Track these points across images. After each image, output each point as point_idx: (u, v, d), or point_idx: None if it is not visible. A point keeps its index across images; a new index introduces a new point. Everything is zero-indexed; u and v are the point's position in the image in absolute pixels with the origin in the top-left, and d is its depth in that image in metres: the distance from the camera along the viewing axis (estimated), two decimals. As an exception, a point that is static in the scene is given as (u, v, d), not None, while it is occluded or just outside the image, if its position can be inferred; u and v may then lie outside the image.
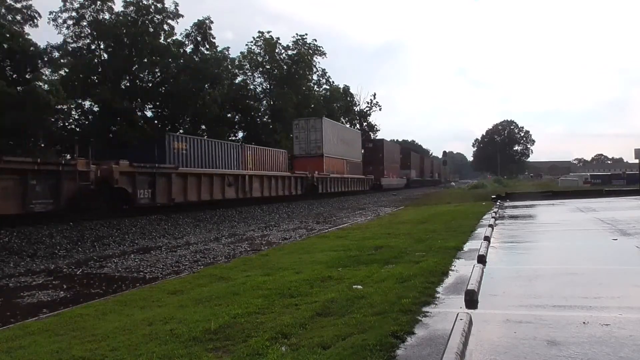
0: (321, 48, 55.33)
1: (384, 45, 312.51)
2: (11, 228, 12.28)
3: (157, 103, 40.42)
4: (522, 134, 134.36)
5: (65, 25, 36.76)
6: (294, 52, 52.68)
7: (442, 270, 6.23)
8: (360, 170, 45.42)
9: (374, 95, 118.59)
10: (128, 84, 39.02)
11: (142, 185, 16.73)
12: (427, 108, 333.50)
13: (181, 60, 39.55)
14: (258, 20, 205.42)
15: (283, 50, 52.52)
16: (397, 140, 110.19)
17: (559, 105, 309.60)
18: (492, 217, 13.40)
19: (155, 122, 40.09)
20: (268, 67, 51.70)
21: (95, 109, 37.21)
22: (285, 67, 52.13)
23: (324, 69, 63.76)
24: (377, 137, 65.82)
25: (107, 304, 5.55)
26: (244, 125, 48.56)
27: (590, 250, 8.28)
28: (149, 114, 40.65)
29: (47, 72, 34.58)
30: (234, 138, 46.24)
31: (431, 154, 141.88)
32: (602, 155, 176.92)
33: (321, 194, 32.70)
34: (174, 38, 40.40)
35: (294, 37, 55.14)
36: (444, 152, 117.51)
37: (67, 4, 36.51)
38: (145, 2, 38.43)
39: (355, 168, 43.39)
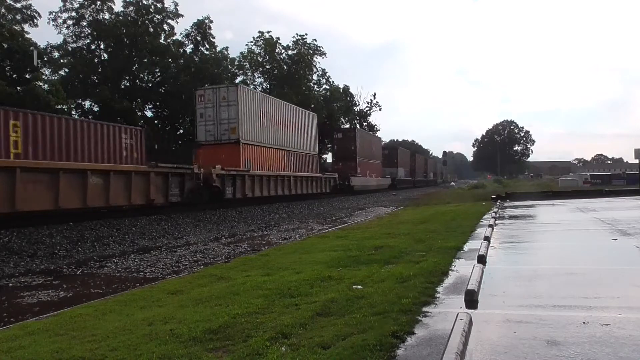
0: (321, 48, 55.38)
1: (383, 45, 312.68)
2: (11, 228, 12.28)
3: (157, 103, 40.44)
4: (522, 134, 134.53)
5: (65, 25, 36.84)
6: (294, 52, 52.69)
7: (442, 270, 6.23)
8: (316, 167, 35.30)
9: (374, 95, 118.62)
10: (128, 84, 39.07)
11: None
12: (427, 108, 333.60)
13: (181, 60, 39.60)
14: (258, 20, 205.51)
15: (283, 50, 52.58)
16: (397, 140, 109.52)
17: (559, 105, 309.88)
18: (492, 217, 13.40)
19: (155, 122, 40.11)
20: (268, 67, 51.71)
21: (95, 109, 37.26)
22: (285, 67, 52.13)
23: (324, 69, 63.90)
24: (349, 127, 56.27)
25: (107, 304, 5.55)
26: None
27: (590, 250, 8.28)
28: (149, 114, 40.70)
29: (47, 72, 34.62)
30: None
31: (431, 154, 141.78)
32: (602, 155, 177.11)
33: (230, 200, 21.99)
34: (173, 38, 40.51)
35: (294, 37, 55.20)
36: (444, 152, 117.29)
37: (67, 4, 36.62)
38: (145, 2, 38.50)
39: (305, 163, 32.39)
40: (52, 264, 9.70)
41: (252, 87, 49.63)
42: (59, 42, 37.04)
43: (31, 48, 29.90)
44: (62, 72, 37.12)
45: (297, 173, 30.27)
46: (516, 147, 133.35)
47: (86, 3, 36.79)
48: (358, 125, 66.64)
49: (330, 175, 37.77)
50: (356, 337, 3.69)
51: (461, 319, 3.72)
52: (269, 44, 50.89)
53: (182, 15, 40.06)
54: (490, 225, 10.94)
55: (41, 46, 32.76)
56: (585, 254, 7.98)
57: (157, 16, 38.91)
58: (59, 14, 36.47)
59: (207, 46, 41.85)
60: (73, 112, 37.12)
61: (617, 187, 39.57)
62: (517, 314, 4.31)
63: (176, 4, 39.39)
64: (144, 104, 39.76)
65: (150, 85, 39.31)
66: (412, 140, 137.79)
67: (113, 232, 13.51)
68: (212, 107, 24.20)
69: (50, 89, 30.29)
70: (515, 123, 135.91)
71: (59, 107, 32.70)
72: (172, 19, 39.49)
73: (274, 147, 27.79)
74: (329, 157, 55.46)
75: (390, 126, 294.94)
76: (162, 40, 39.27)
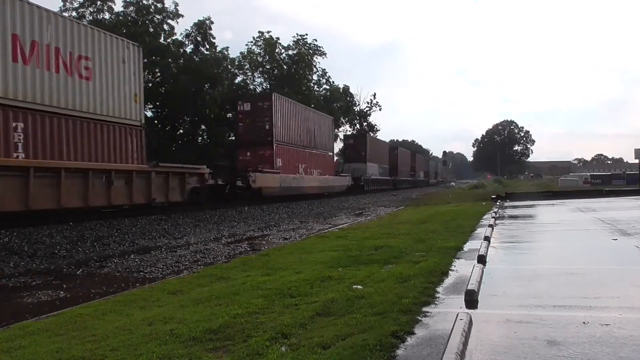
0: (321, 48, 55.22)
1: (383, 45, 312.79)
2: (11, 228, 12.28)
3: (157, 103, 40.42)
4: (522, 134, 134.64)
5: (65, 25, 36.79)
6: (294, 52, 52.62)
7: (442, 270, 6.23)
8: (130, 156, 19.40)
9: (374, 95, 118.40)
10: (128, 84, 38.98)
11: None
12: (427, 108, 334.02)
13: (181, 60, 39.56)
14: (258, 20, 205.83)
15: (283, 50, 52.47)
16: (396, 140, 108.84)
17: (559, 105, 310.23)
18: (492, 217, 13.40)
19: (155, 122, 40.09)
20: (268, 67, 51.64)
21: (95, 109, 37.19)
22: (285, 67, 52.06)
23: (324, 69, 63.74)
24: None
25: (107, 304, 5.55)
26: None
27: (590, 250, 8.28)
28: (149, 114, 40.63)
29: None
30: (232, 138, 46.24)
31: (431, 154, 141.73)
32: (602, 155, 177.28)
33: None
34: (174, 38, 40.43)
35: (294, 37, 55.12)
36: (444, 152, 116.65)
37: (67, 3, 36.57)
38: (145, 2, 38.45)
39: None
40: (52, 264, 9.69)
41: (251, 87, 49.69)
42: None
43: None
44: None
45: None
46: (516, 147, 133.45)
47: (86, 3, 36.77)
48: (358, 126, 66.19)
49: (191, 170, 20.49)
50: (356, 337, 3.69)
51: (461, 319, 3.72)
52: (269, 44, 50.83)
53: (182, 16, 40.00)
54: (490, 225, 10.95)
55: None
56: (585, 254, 7.98)
57: (157, 16, 38.87)
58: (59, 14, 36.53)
59: (207, 46, 41.83)
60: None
61: (617, 187, 39.59)
62: (517, 314, 4.31)
63: (176, 4, 39.35)
64: (144, 104, 39.72)
65: (150, 85, 39.31)
66: (412, 140, 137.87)
67: (113, 232, 13.50)
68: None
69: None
70: (515, 123, 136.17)
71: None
72: (172, 19, 39.45)
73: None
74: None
75: (390, 126, 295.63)
76: (162, 40, 39.23)
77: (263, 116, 26.59)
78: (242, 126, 27.34)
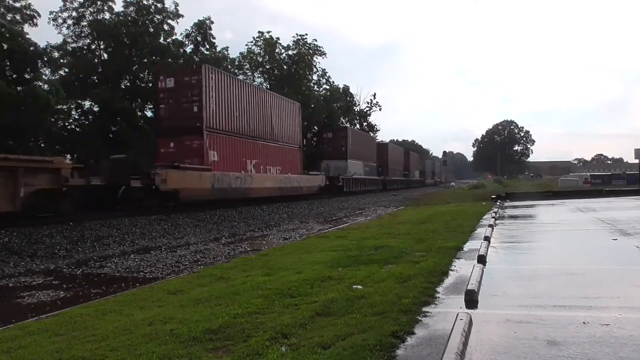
0: (321, 48, 55.31)
1: (383, 45, 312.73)
2: (11, 228, 12.27)
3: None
4: (522, 134, 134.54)
5: (65, 25, 36.83)
6: (294, 52, 52.68)
7: (442, 270, 6.23)
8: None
9: (374, 95, 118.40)
10: (128, 84, 39.04)
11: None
12: (427, 108, 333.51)
13: (181, 60, 39.56)
14: (257, 20, 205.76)
15: (283, 50, 52.56)
16: (396, 140, 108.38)
17: (559, 105, 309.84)
18: (492, 217, 13.40)
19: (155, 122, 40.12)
20: (268, 67, 51.69)
21: (95, 109, 37.23)
22: (285, 67, 52.11)
23: (324, 69, 63.80)
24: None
25: (107, 304, 5.55)
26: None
27: (590, 250, 8.28)
28: (149, 113, 40.63)
29: (47, 72, 34.59)
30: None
31: (431, 154, 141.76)
32: (602, 155, 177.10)
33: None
34: (174, 38, 40.45)
35: (294, 37, 55.19)
36: (444, 152, 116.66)
37: (67, 3, 36.60)
38: (145, 2, 38.48)
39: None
40: (52, 264, 9.70)
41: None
42: (59, 42, 37.06)
43: (31, 48, 29.79)
44: (62, 72, 37.09)
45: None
46: (516, 147, 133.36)
47: (86, 3, 36.79)
48: (358, 125, 66.01)
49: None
50: (356, 337, 3.69)
51: (461, 319, 3.72)
52: (269, 44, 50.88)
53: (183, 16, 40.05)
54: (490, 225, 10.94)
55: (41, 46, 32.75)
56: (585, 254, 7.98)
57: (158, 16, 38.90)
58: (59, 14, 36.47)
59: (207, 46, 41.86)
60: (73, 112, 37.15)
61: (617, 187, 39.57)
62: (517, 314, 4.31)
63: (176, 4, 39.42)
64: (144, 104, 39.71)
65: (151, 85, 39.32)
66: (412, 140, 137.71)
67: (113, 232, 13.50)
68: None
69: (50, 89, 30.25)
70: (515, 123, 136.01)
71: (59, 107, 32.70)
72: (173, 19, 39.52)
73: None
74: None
75: (390, 126, 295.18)
76: (162, 40, 39.26)
77: (190, 95, 19.89)
78: (165, 108, 20.65)
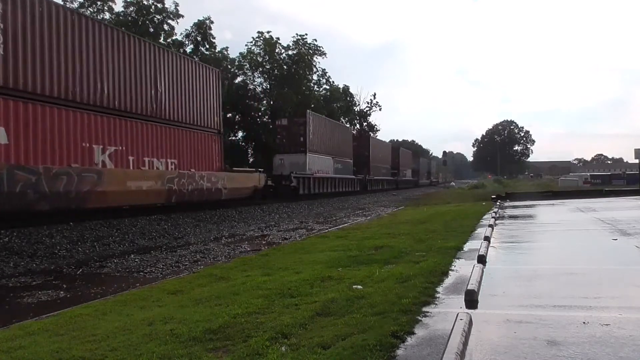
0: (321, 48, 55.19)
1: (383, 45, 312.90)
2: (11, 228, 12.27)
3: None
4: (522, 134, 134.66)
5: (65, 25, 36.81)
6: (294, 52, 52.62)
7: (442, 270, 6.23)
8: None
9: (374, 95, 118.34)
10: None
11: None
12: (427, 108, 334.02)
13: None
14: (257, 20, 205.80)
15: (283, 50, 52.46)
16: (397, 140, 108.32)
17: (559, 105, 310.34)
18: (492, 217, 13.40)
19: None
20: (268, 67, 51.63)
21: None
22: (285, 67, 52.05)
23: (324, 69, 63.73)
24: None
25: (107, 304, 5.55)
26: (243, 125, 48.56)
27: (590, 250, 8.28)
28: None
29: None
30: (234, 138, 46.18)
31: (431, 154, 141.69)
32: (602, 155, 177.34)
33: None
34: (174, 38, 40.47)
35: (294, 37, 55.10)
36: (444, 152, 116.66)
37: (68, 3, 36.55)
38: (145, 2, 38.49)
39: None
40: (52, 264, 9.70)
41: (252, 87, 49.58)
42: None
43: None
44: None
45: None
46: (516, 147, 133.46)
47: (86, 3, 36.83)
48: (358, 125, 65.86)
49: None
50: (356, 337, 3.69)
51: (461, 319, 3.72)
52: (269, 44, 50.83)
53: (183, 16, 40.09)
54: (490, 225, 10.95)
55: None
56: (585, 254, 7.98)
57: (158, 16, 38.94)
58: (59, 14, 36.56)
59: (207, 46, 41.89)
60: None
61: (617, 187, 39.57)
62: (517, 314, 4.31)
63: (176, 5, 39.47)
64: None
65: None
66: (412, 140, 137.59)
67: (113, 232, 13.50)
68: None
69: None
70: (515, 123, 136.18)
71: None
72: (173, 19, 39.57)
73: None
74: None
75: (390, 126, 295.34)
76: (162, 40, 39.28)
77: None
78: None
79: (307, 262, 7.54)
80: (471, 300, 4.67)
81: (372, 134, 57.81)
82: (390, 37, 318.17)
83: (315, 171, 31.29)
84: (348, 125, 44.69)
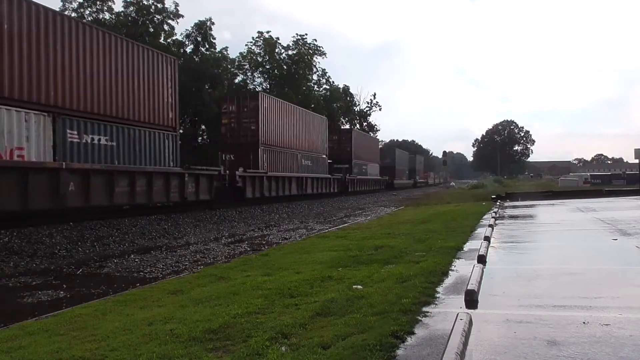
0: (321, 48, 55.25)
1: (383, 45, 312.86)
2: (11, 228, 12.27)
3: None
4: (522, 134, 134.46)
5: (65, 25, 36.79)
6: (294, 52, 52.65)
7: (442, 270, 6.23)
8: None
9: (374, 95, 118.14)
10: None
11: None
12: (427, 108, 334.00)
13: (181, 60, 39.60)
14: (256, 20, 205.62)
15: (283, 50, 52.50)
16: (396, 140, 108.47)
17: (559, 105, 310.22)
18: (492, 217, 13.40)
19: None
20: (268, 67, 51.65)
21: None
22: (285, 67, 52.07)
23: (324, 69, 63.74)
24: None
25: (107, 304, 5.55)
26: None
27: (590, 250, 8.28)
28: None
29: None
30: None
31: (431, 154, 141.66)
32: (602, 155, 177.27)
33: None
34: (174, 38, 40.47)
35: (293, 37, 55.14)
36: (444, 152, 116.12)
37: (67, 3, 36.59)
38: (145, 2, 38.49)
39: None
40: (52, 264, 9.69)
41: (251, 87, 49.60)
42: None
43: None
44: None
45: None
46: (516, 147, 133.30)
47: (86, 3, 36.84)
48: (358, 125, 65.89)
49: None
50: (356, 337, 3.69)
51: (461, 319, 3.72)
52: (269, 44, 50.84)
53: (183, 16, 40.08)
54: (490, 225, 10.95)
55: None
56: (585, 254, 7.98)
57: (158, 16, 38.94)
58: (59, 14, 36.55)
59: (207, 46, 41.88)
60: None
61: (617, 187, 39.59)
62: (517, 314, 4.31)
63: (176, 4, 39.47)
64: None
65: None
66: (412, 140, 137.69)
67: (113, 232, 13.50)
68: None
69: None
70: (515, 123, 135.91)
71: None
72: (173, 19, 39.57)
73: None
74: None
75: (390, 126, 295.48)
76: (162, 40, 39.28)
77: None
78: None
79: (307, 262, 7.54)
80: (471, 300, 4.67)
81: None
82: (390, 37, 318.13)
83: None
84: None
